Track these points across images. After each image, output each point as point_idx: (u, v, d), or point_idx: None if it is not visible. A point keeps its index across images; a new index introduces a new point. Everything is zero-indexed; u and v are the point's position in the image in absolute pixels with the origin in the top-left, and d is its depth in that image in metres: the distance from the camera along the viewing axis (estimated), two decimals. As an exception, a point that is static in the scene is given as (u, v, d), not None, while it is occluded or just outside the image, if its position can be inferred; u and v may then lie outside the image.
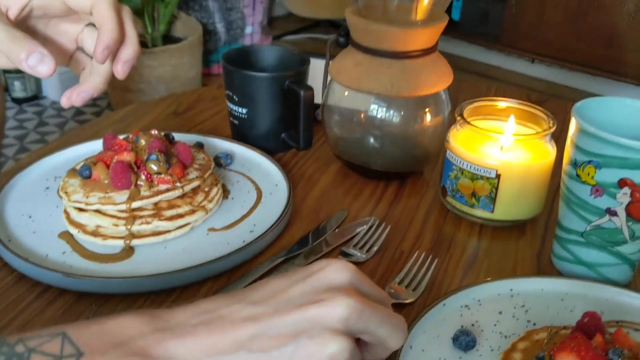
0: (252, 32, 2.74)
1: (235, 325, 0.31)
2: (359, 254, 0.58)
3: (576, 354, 0.39)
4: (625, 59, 2.28)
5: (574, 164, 0.53)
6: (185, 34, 2.31)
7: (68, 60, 0.53)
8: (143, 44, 2.21)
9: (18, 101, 2.35)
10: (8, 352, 0.29)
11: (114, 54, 0.48)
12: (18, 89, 2.34)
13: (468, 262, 0.59)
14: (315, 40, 3.12)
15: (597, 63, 2.30)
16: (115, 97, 2.25)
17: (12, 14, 0.47)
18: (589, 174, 0.51)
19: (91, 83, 0.49)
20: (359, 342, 0.35)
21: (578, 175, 0.52)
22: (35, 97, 2.38)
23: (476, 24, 2.63)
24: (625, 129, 0.53)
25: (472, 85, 1.00)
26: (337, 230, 0.62)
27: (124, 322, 0.31)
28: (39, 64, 0.44)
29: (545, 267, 0.59)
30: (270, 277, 0.37)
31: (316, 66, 0.77)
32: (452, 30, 2.72)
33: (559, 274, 0.58)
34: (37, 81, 2.37)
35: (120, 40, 0.47)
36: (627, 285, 0.56)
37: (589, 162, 0.51)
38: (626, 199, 0.50)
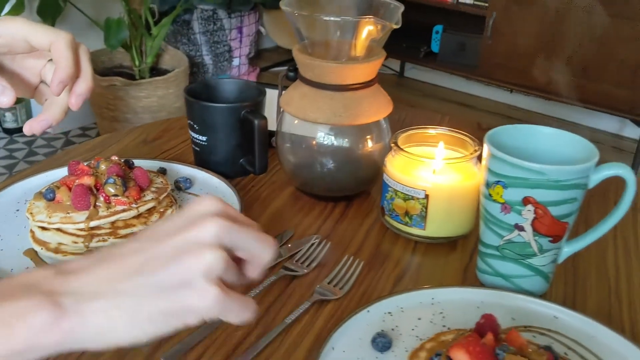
0: (239, 64, 2.83)
1: (126, 258, 0.37)
2: (299, 269, 0.64)
3: (465, 349, 0.45)
4: (596, 89, 2.36)
5: (487, 184, 0.59)
6: (173, 66, 2.39)
7: (33, 92, 0.59)
8: (131, 76, 2.29)
9: (9, 131, 2.42)
10: None
11: (70, 87, 0.54)
12: (9, 120, 2.40)
13: (399, 275, 0.64)
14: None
15: (570, 93, 2.37)
16: (103, 126, 2.32)
17: None
18: (498, 193, 0.57)
19: (50, 113, 0.55)
20: (239, 263, 0.40)
21: (490, 195, 0.58)
22: (27, 127, 2.45)
23: (455, 55, 2.72)
24: (536, 153, 0.59)
25: (426, 116, 1.06)
26: (283, 246, 0.68)
27: (29, 274, 0.37)
28: None
29: (469, 280, 0.64)
30: None
31: (274, 97, 0.83)
32: (432, 61, 2.82)
33: (482, 285, 0.63)
34: (28, 112, 2.44)
35: (76, 75, 0.54)
36: (543, 296, 0.61)
37: (498, 182, 0.57)
38: (531, 215, 0.56)
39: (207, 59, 2.71)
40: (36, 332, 0.34)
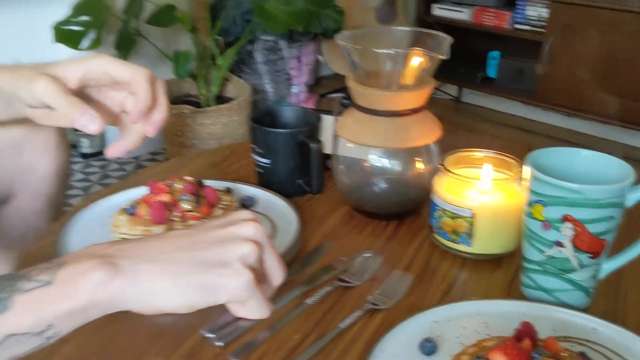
0: (298, 92, 2.93)
1: (177, 238, 0.46)
2: (353, 281, 0.69)
3: (503, 352, 0.49)
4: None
5: (528, 203, 0.63)
6: (236, 95, 2.51)
7: (115, 120, 0.67)
8: (197, 104, 2.42)
9: (85, 156, 2.59)
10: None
11: (147, 116, 0.62)
12: (85, 146, 2.57)
13: (447, 288, 0.68)
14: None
15: (630, 117, 2.34)
16: (172, 152, 2.45)
17: (72, 84, 0.61)
18: (538, 211, 0.61)
19: (129, 140, 0.63)
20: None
21: (531, 213, 0.62)
22: (101, 152, 2.61)
23: (512, 80, 2.73)
24: (576, 174, 0.63)
25: (480, 140, 1.10)
26: (338, 260, 0.73)
27: (90, 247, 0.45)
28: (89, 123, 0.58)
29: (513, 294, 0.68)
30: None
31: (329, 122, 0.89)
32: (489, 86, 2.84)
33: (525, 299, 0.66)
34: (102, 138, 2.60)
35: (152, 106, 0.61)
36: (584, 310, 0.64)
37: (538, 201, 0.61)
38: (570, 232, 0.60)
39: (268, 87, 2.82)
40: (95, 288, 0.41)
